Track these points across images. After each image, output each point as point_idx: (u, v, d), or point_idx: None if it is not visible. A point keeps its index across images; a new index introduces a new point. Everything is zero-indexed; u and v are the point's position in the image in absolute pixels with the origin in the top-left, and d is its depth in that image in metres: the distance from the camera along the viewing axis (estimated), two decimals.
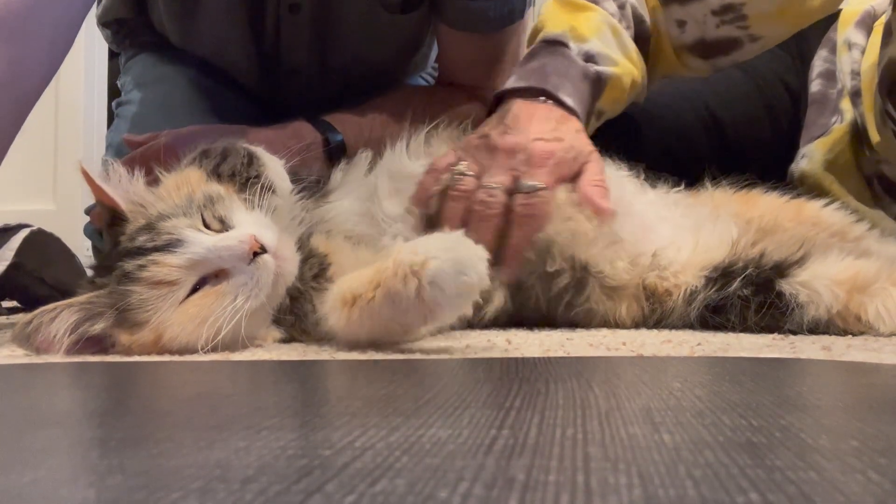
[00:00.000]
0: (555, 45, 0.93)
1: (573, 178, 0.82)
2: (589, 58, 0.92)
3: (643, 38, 1.02)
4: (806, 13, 1.02)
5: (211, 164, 0.75)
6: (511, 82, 0.91)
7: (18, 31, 0.81)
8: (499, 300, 0.78)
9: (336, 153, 1.04)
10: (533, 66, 0.92)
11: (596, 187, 0.81)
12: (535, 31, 0.99)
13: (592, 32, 0.94)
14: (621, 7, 1.00)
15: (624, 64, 0.95)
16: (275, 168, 0.78)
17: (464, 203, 0.79)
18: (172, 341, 0.65)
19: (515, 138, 0.82)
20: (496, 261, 0.76)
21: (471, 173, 0.80)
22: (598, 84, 0.92)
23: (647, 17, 1.02)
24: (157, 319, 0.65)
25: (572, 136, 0.84)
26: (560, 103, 0.87)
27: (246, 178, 0.73)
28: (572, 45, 0.92)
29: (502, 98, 0.91)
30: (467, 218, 0.78)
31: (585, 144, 0.85)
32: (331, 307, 0.65)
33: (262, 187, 0.72)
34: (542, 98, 0.87)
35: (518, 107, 0.86)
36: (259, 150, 0.79)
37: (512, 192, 0.78)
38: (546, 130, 0.83)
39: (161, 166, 0.77)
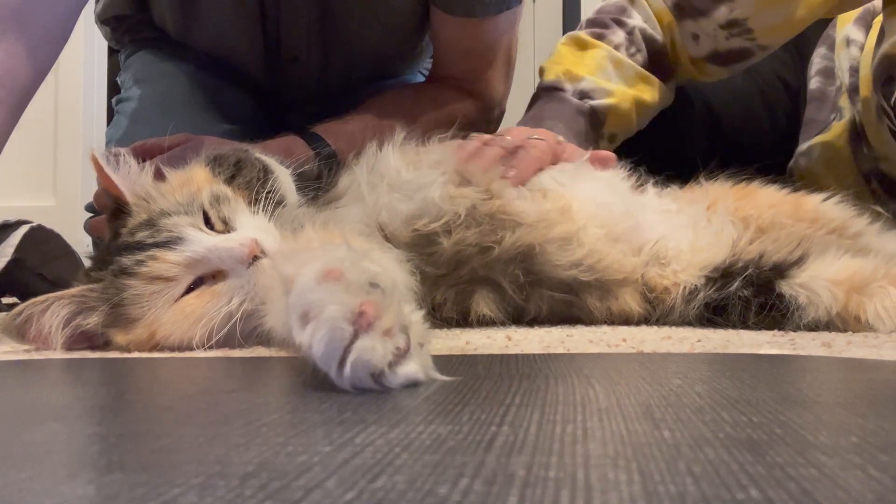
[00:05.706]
0: (550, 90, 1.07)
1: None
2: (584, 95, 1.06)
3: (660, 54, 1.11)
4: (809, 18, 1.07)
5: (225, 173, 0.75)
6: None
7: (12, 25, 0.81)
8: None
9: (329, 164, 1.03)
10: (532, 114, 1.05)
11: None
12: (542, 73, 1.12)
13: (590, 70, 1.07)
14: (629, 33, 1.10)
15: (620, 92, 1.07)
16: (286, 182, 0.78)
17: (501, 146, 0.85)
18: (166, 339, 0.64)
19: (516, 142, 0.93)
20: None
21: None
22: (594, 115, 1.05)
23: (658, 36, 1.11)
24: (152, 316, 0.64)
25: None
26: None
27: (259, 191, 0.73)
28: (567, 86, 1.06)
29: None
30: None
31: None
32: None
33: (272, 199, 0.72)
34: None
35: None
36: (272, 163, 0.79)
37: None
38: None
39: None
